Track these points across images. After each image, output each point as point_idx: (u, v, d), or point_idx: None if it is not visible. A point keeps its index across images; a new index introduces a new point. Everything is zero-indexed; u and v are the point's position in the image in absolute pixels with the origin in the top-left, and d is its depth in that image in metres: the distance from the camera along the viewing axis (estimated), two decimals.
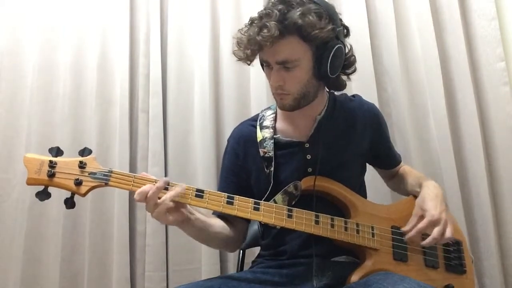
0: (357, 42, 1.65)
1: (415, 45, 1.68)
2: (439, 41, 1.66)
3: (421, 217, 1.02)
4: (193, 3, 1.73)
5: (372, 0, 1.72)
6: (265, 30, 0.96)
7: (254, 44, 0.98)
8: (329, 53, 1.01)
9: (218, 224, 1.11)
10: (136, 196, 0.92)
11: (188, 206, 0.99)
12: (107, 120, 1.64)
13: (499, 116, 1.60)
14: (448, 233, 0.99)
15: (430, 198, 1.05)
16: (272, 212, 1.00)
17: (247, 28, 1.04)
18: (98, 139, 1.60)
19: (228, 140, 1.26)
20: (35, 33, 1.66)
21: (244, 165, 1.18)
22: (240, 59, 1.08)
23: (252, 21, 1.03)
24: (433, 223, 0.99)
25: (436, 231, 0.98)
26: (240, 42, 1.05)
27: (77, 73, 1.65)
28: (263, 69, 1.14)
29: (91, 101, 1.64)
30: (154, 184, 0.93)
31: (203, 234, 1.07)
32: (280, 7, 0.98)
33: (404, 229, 1.03)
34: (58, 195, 1.51)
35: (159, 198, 0.92)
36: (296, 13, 0.97)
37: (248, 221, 1.20)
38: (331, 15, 1.02)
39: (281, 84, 1.04)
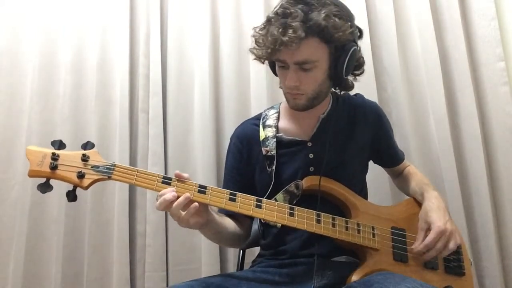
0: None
1: (415, 45, 1.68)
2: (439, 41, 1.66)
3: (427, 230, 1.02)
4: (193, 3, 1.73)
5: (372, 0, 1.72)
6: (291, 31, 0.95)
7: (280, 44, 0.96)
8: (346, 55, 1.02)
9: (230, 224, 1.13)
10: (158, 206, 0.93)
11: (209, 209, 1.00)
12: (107, 120, 1.64)
13: (499, 116, 1.60)
14: (451, 245, 0.99)
15: (433, 210, 1.05)
16: (274, 210, 1.00)
17: (263, 26, 1.03)
18: (98, 139, 1.59)
19: (230, 139, 1.27)
20: (35, 33, 1.66)
21: (247, 163, 1.18)
22: (258, 57, 1.06)
23: (269, 19, 1.02)
24: (440, 235, 0.99)
25: (440, 244, 0.98)
26: (261, 40, 1.03)
27: (77, 73, 1.65)
28: (271, 69, 1.14)
29: (91, 101, 1.64)
30: (173, 190, 0.93)
31: (219, 236, 1.10)
32: (301, 7, 0.97)
33: (414, 246, 1.02)
34: (58, 195, 1.53)
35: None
36: (320, 15, 0.96)
37: (252, 217, 1.20)
38: (350, 17, 1.03)
39: (297, 84, 1.04)
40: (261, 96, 1.64)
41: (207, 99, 1.64)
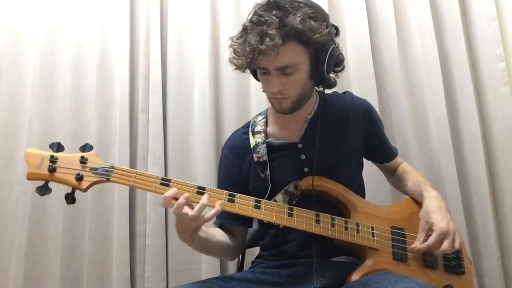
0: (357, 42, 1.65)
1: (415, 45, 1.67)
2: (439, 41, 1.66)
3: (429, 230, 1.02)
4: (193, 3, 1.73)
5: (372, 0, 1.72)
6: (268, 39, 0.94)
7: (258, 53, 0.96)
8: (325, 54, 1.02)
9: (219, 233, 1.12)
10: (175, 210, 0.92)
11: None
12: (107, 120, 1.64)
13: (499, 116, 1.60)
14: (457, 244, 0.99)
15: (434, 210, 1.04)
16: (273, 211, 1.00)
17: (240, 35, 1.03)
18: (98, 139, 1.60)
19: (222, 150, 1.27)
20: (35, 33, 1.66)
21: (239, 173, 1.18)
22: (239, 67, 1.07)
23: (245, 28, 1.01)
24: (443, 236, 0.98)
25: (446, 244, 0.97)
26: (239, 50, 1.03)
27: (77, 73, 1.65)
28: (253, 74, 1.14)
29: (91, 101, 1.64)
30: (176, 191, 0.93)
31: (205, 243, 1.07)
32: (275, 12, 0.97)
33: (414, 245, 1.02)
34: (59, 195, 1.52)
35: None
36: (295, 19, 0.96)
37: (247, 230, 1.22)
38: (325, 17, 1.03)
39: (281, 89, 1.04)
40: (261, 96, 1.63)
41: (207, 99, 1.64)
